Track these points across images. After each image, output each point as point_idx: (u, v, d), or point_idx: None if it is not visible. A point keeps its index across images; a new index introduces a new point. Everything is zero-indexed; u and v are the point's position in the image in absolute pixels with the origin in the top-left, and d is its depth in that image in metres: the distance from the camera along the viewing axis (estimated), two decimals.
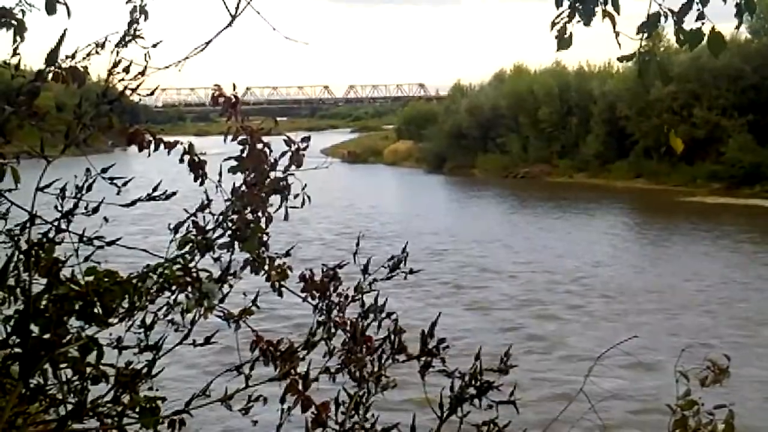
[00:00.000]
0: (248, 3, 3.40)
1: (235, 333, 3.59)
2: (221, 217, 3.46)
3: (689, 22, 3.58)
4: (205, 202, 3.47)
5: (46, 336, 3.07)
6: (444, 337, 3.50)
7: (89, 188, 3.34)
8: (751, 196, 56.07)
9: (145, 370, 3.28)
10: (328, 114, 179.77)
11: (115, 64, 3.30)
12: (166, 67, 3.49)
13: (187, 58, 3.52)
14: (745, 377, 19.42)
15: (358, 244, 3.62)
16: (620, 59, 3.49)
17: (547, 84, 76.05)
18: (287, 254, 3.82)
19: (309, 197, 3.71)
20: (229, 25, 3.47)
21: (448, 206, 59.78)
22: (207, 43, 3.55)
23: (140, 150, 3.41)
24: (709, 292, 30.19)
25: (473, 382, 3.35)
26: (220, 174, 3.46)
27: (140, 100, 3.47)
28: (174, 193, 3.58)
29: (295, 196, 3.65)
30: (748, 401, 17.92)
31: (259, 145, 3.58)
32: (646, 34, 3.63)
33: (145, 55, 3.35)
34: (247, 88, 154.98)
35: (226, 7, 3.41)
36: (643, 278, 33.23)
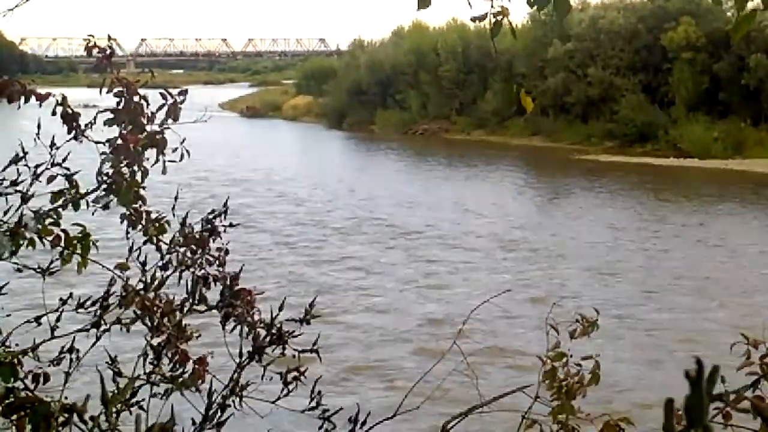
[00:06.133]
0: None
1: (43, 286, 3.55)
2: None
3: None
4: (69, 155, 3.41)
5: None
6: (244, 287, 3.58)
7: None
8: (642, 155, 57.70)
9: None
10: (227, 67, 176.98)
11: None
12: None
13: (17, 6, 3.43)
14: (618, 329, 20.17)
15: (176, 198, 3.67)
16: (473, 19, 3.51)
17: (452, 41, 76.11)
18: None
19: (188, 152, 3.68)
20: None
21: (338, 162, 59.70)
22: None
23: (9, 102, 3.32)
24: (594, 246, 30.96)
25: (271, 331, 3.45)
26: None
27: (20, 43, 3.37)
28: None
29: (174, 150, 3.61)
30: (620, 352, 18.61)
31: (136, 98, 3.52)
32: None
33: None
34: (142, 39, 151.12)
35: None
36: (529, 232, 33.76)
